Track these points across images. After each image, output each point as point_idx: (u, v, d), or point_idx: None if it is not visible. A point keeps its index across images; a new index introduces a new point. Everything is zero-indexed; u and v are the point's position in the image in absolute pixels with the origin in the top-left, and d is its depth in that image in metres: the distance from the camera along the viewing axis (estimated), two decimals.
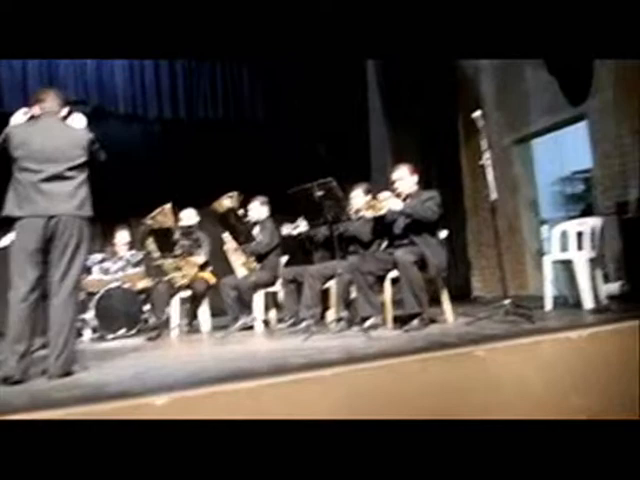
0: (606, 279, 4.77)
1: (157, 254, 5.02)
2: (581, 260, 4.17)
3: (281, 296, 5.12)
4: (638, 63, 4.95)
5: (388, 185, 4.52)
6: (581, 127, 5.83)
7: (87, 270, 5.70)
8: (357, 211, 4.62)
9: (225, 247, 5.11)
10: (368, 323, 3.96)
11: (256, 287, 4.95)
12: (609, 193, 4.93)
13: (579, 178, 7.72)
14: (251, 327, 4.90)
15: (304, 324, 4.42)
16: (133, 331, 5.44)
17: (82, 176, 3.20)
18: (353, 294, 4.24)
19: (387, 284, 4.10)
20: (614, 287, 4.77)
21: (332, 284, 4.59)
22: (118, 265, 5.81)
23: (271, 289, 5.16)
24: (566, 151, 7.13)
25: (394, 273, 4.01)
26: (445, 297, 4.18)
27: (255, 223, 5.15)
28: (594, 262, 4.29)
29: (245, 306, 4.91)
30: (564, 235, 4.62)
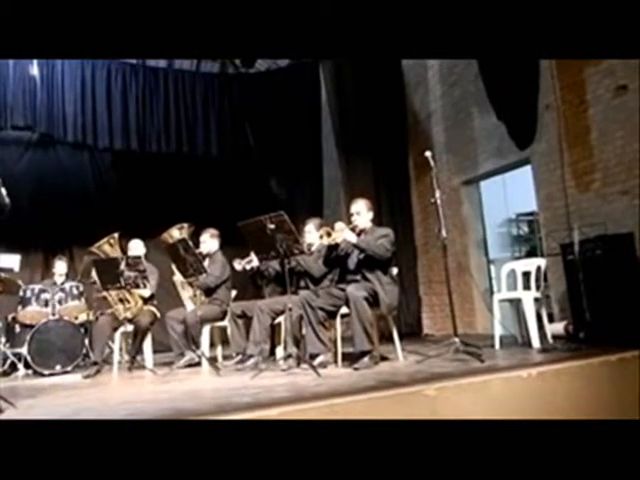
0: (550, 319, 4.87)
1: (101, 285, 4.80)
2: (529, 299, 4.25)
3: (230, 331, 4.97)
4: (582, 108, 5.20)
5: (342, 220, 4.50)
6: (526, 171, 6.03)
7: (25, 302, 5.42)
8: (309, 246, 4.58)
9: (174, 278, 4.95)
10: (318, 360, 3.87)
11: (204, 321, 4.80)
12: (553, 235, 5.06)
13: (524, 220, 8.00)
14: (198, 363, 4.73)
15: (252, 361, 4.29)
16: (69, 367, 5.16)
17: None
18: (304, 330, 4.15)
19: (338, 320, 4.04)
20: (558, 327, 4.86)
21: (282, 320, 4.49)
22: (58, 297, 5.52)
23: (220, 324, 5.01)
24: (512, 194, 7.38)
25: (345, 309, 3.96)
26: (395, 335, 4.14)
27: (205, 256, 5.02)
28: (539, 302, 4.38)
29: (192, 341, 4.73)
30: (512, 274, 4.70)
